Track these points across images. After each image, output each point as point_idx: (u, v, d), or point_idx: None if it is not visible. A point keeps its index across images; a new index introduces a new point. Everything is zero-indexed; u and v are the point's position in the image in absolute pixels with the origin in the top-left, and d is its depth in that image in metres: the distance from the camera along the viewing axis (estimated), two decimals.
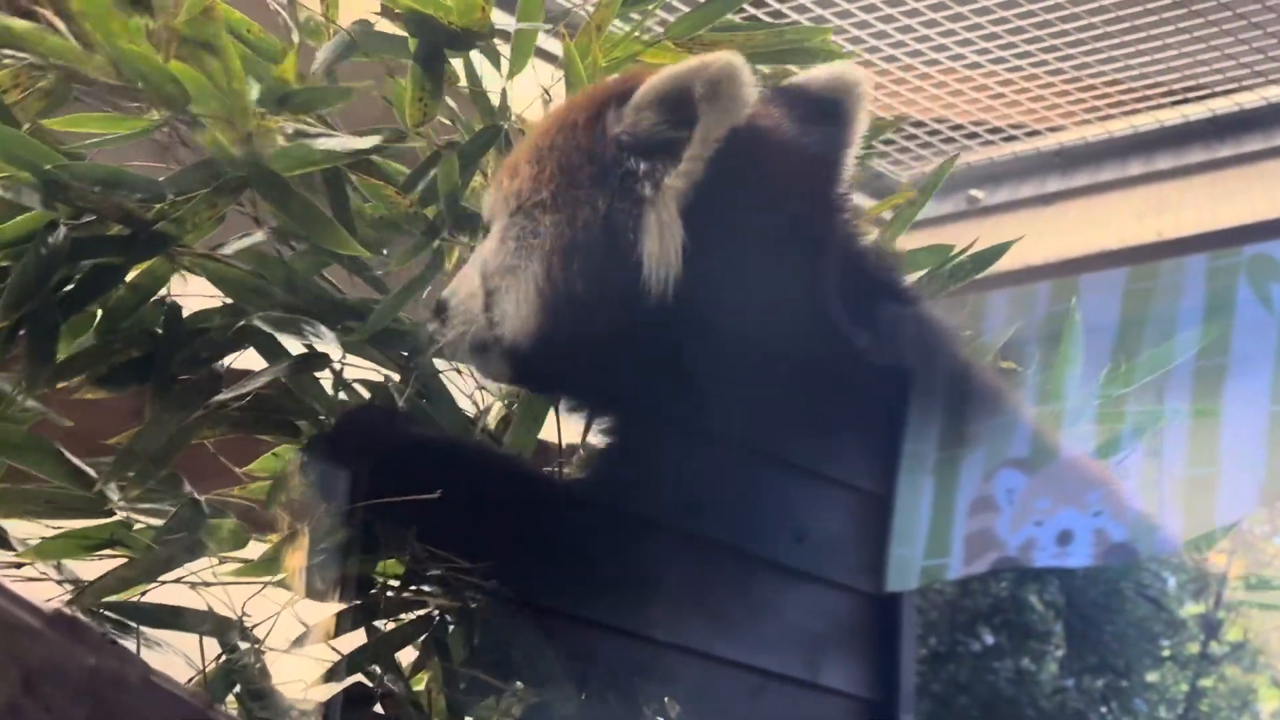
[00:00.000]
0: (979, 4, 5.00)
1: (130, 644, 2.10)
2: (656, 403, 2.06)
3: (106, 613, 2.13)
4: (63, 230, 2.12)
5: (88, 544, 2.17)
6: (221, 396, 2.17)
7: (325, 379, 2.28)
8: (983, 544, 1.88)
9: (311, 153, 2.25)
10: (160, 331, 2.23)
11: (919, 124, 5.15)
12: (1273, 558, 2.17)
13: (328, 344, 2.20)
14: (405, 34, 2.36)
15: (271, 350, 2.22)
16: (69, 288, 2.18)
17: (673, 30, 2.46)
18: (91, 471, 2.17)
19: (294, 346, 2.22)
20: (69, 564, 2.20)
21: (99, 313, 2.23)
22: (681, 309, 2.01)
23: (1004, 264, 2.38)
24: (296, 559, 2.15)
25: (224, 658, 2.14)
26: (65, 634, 1.83)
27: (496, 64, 2.43)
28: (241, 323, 2.21)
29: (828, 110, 2.22)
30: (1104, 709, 3.38)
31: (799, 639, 2.09)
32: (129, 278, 2.22)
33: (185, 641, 2.17)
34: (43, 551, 2.17)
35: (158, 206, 2.18)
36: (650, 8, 2.47)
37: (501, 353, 2.16)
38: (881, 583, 1.99)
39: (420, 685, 2.24)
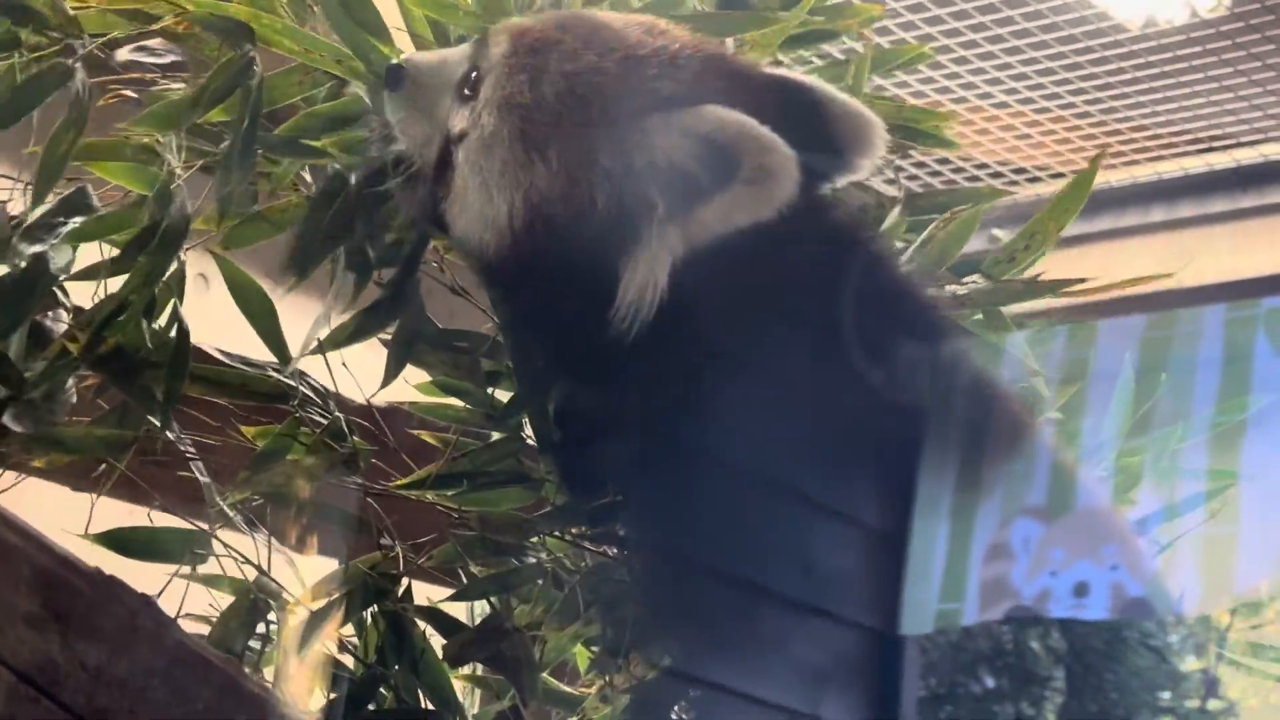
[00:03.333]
0: (1008, 44, 5.01)
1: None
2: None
3: None
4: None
5: None
6: None
7: None
8: (997, 591, 1.87)
9: None
10: None
11: (943, 160, 5.15)
12: (1273, 618, 2.15)
13: None
14: None
15: None
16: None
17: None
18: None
19: None
20: None
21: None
22: (652, 339, 1.97)
23: (1023, 305, 2.37)
24: None
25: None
26: (105, 593, 1.84)
27: None
28: None
29: (833, 136, 2.11)
30: None
31: (802, 672, 2.08)
32: None
33: None
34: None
35: None
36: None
37: (426, 208, 2.11)
38: (888, 621, 1.98)
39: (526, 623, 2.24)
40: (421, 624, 2.19)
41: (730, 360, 2.00)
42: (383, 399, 2.29)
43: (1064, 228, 2.30)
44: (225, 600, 2.14)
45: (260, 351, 2.16)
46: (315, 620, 2.14)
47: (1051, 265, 2.36)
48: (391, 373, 2.18)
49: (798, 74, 2.25)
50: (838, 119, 2.11)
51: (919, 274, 2.28)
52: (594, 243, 1.98)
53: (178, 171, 2.00)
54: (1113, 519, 1.97)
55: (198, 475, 2.09)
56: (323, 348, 2.15)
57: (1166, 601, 1.85)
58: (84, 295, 2.03)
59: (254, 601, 2.09)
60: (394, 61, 2.13)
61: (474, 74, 2.10)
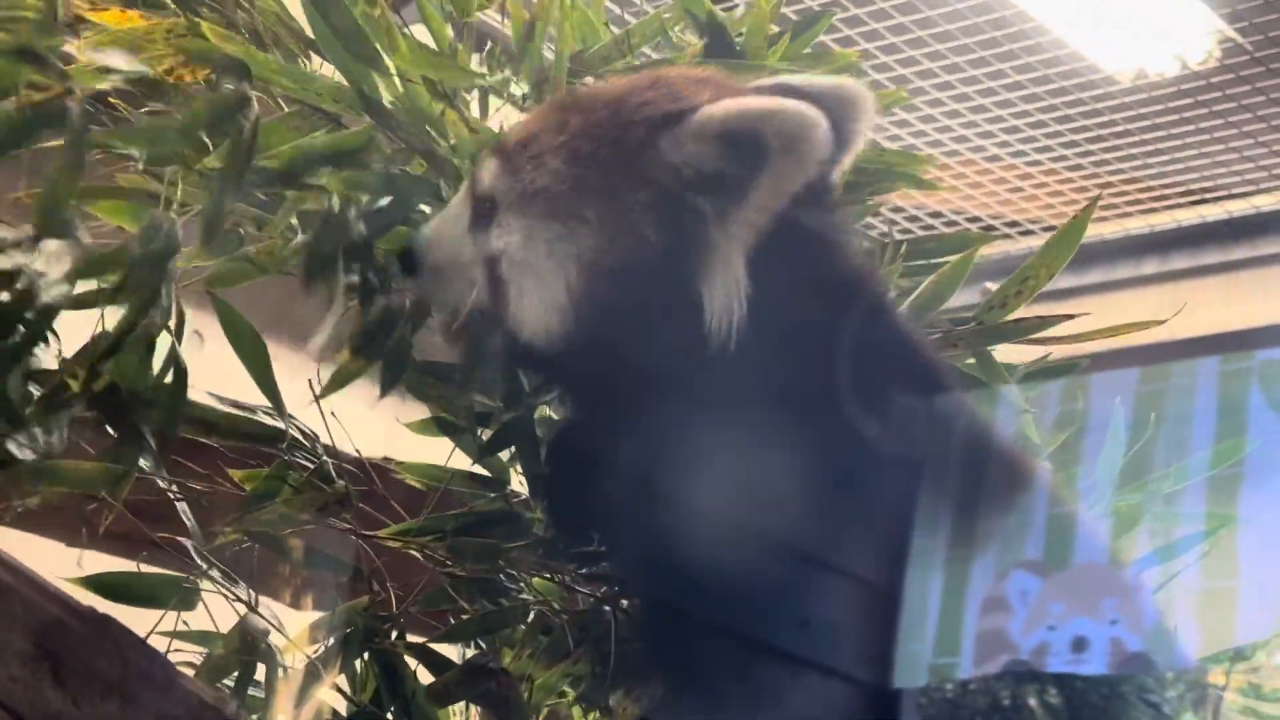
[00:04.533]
0: (1000, 97, 5.03)
1: None
2: (669, 437, 2.04)
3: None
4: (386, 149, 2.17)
5: None
6: None
7: None
8: (994, 645, 1.85)
9: None
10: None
11: (936, 214, 5.17)
12: (1271, 673, 2.15)
13: None
14: None
15: None
16: None
17: None
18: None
19: None
20: None
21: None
22: (736, 357, 1.97)
23: (1015, 358, 2.37)
24: None
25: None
26: (97, 630, 1.84)
27: None
28: None
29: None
30: None
31: None
32: None
33: None
34: None
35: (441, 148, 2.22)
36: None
37: (501, 340, 2.10)
38: (883, 676, 1.97)
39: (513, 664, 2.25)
40: (413, 665, 2.19)
41: (730, 408, 2.00)
42: (376, 449, 2.29)
43: (1056, 273, 2.32)
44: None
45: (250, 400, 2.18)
46: (312, 669, 2.13)
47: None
48: (385, 389, 2.18)
49: (775, 78, 2.26)
50: (823, 99, 2.10)
51: (918, 322, 2.29)
52: (660, 274, 1.99)
53: (174, 206, 2.01)
54: (1112, 572, 1.96)
55: (185, 519, 2.09)
56: (320, 392, 2.16)
57: (1167, 656, 1.83)
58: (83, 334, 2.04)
59: (245, 638, 2.08)
60: (404, 247, 2.16)
61: (481, 202, 2.13)
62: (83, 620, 1.84)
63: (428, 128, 2.22)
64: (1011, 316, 2.33)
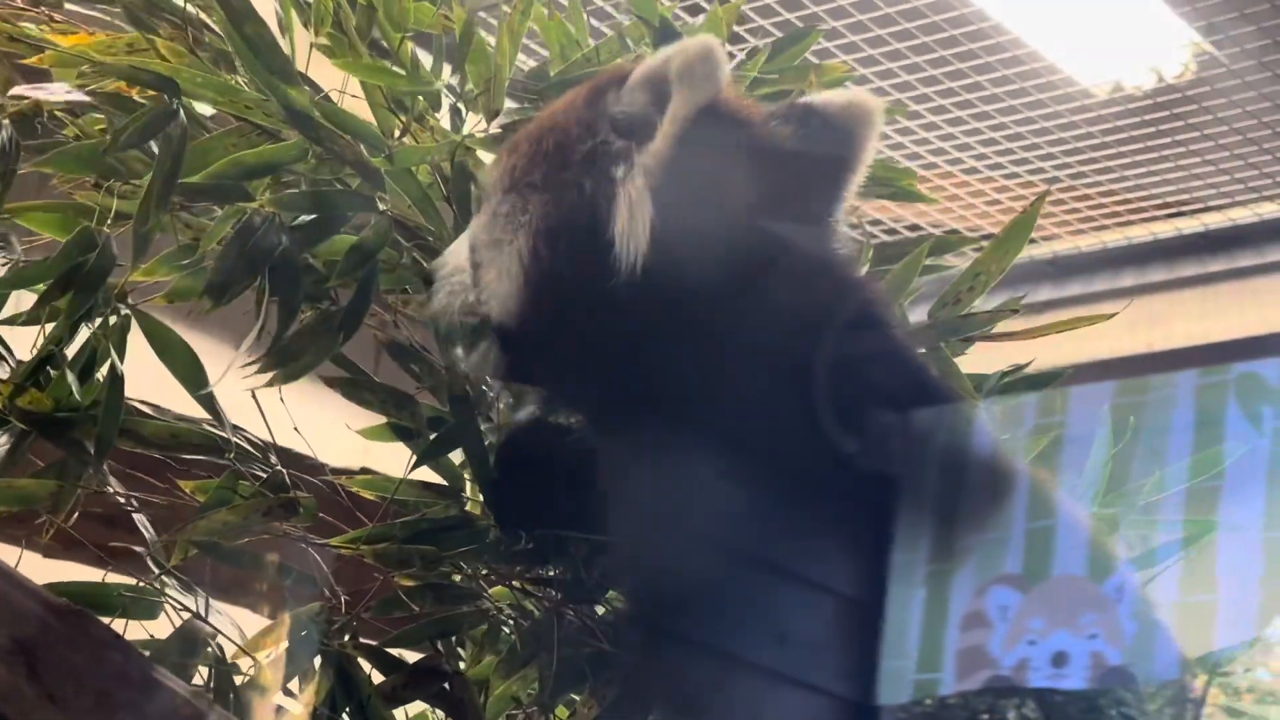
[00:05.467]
0: (977, 109, 5.04)
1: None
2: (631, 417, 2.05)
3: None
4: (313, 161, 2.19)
5: None
6: None
7: None
8: (975, 661, 1.85)
9: None
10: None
11: (914, 227, 5.16)
12: (1246, 688, 2.15)
13: None
14: None
15: None
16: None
17: None
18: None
19: None
20: None
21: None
22: (650, 289, 1.97)
23: (990, 368, 2.37)
24: None
25: None
26: (73, 626, 1.84)
27: None
28: None
29: (838, 135, 2.18)
30: None
31: None
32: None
33: None
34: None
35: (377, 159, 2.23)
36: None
37: (486, 330, 2.13)
38: (862, 692, 1.96)
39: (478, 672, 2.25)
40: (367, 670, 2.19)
41: (710, 416, 1.99)
42: (356, 460, 2.29)
43: (1006, 269, 2.33)
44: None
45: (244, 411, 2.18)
46: (264, 673, 2.13)
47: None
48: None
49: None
50: (837, 114, 2.17)
51: (910, 333, 2.28)
52: (589, 222, 2.02)
53: (109, 220, 2.02)
54: (1092, 585, 1.96)
55: (144, 530, 2.08)
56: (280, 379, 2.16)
57: (1148, 668, 1.83)
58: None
59: (183, 642, 2.07)
60: (427, 273, 2.21)
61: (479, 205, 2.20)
62: (60, 616, 1.84)
63: (350, 137, 2.23)
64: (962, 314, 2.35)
